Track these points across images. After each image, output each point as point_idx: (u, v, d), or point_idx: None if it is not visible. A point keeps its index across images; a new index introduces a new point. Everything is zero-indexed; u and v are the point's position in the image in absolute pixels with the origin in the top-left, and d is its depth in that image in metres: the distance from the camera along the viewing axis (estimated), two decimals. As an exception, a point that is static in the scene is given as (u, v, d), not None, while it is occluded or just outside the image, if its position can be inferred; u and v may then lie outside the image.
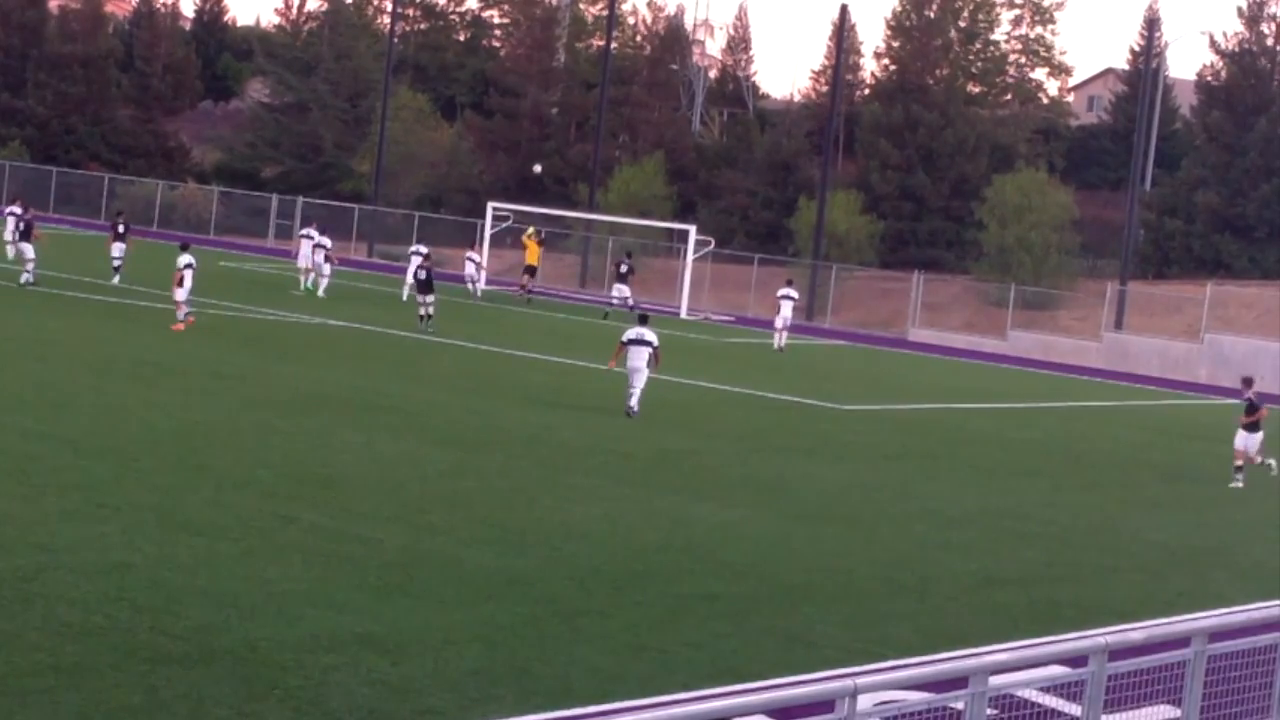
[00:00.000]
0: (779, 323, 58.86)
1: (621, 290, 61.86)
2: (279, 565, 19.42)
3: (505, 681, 15.96)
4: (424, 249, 58.88)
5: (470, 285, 67.59)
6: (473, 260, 68.47)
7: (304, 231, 62.12)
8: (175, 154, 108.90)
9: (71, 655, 15.39)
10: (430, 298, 50.00)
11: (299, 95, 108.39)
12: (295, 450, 27.35)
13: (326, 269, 59.19)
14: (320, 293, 58.27)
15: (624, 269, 66.45)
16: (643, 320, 37.13)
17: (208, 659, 15.69)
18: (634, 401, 35.24)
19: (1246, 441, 33.80)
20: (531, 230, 70.40)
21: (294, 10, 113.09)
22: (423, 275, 50.44)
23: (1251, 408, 33.78)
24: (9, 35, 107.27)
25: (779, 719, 13.38)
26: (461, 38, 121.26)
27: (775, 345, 58.32)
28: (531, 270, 68.82)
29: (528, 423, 33.29)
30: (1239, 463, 33.52)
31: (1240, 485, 33.60)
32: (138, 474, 23.97)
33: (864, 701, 11.55)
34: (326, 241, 59.74)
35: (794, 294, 61.07)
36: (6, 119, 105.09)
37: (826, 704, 11.35)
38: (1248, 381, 34.90)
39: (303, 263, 60.22)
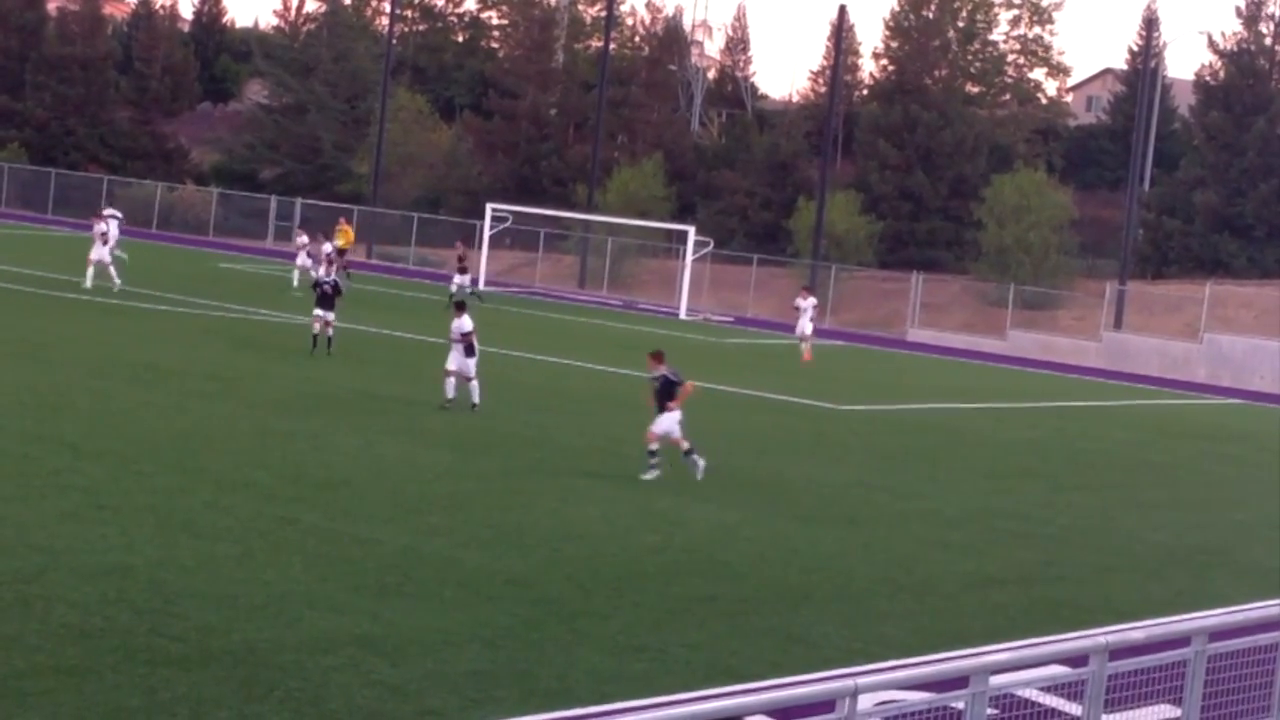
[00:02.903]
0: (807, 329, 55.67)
1: (461, 280, 58.75)
2: (278, 567, 19.42)
3: (505, 682, 15.95)
4: (327, 247, 57.08)
5: (299, 274, 61.01)
6: (306, 244, 62.25)
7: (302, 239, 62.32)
8: (174, 156, 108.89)
9: (71, 657, 15.39)
10: (331, 315, 41.06)
11: (297, 97, 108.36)
12: (294, 452, 27.34)
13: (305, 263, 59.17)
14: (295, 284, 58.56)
15: (459, 261, 61.57)
16: (460, 309, 35.36)
17: (207, 661, 15.69)
18: (474, 396, 33.63)
19: (667, 425, 28.65)
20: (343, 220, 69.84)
21: (292, 12, 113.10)
22: (328, 288, 41.53)
23: (667, 385, 28.59)
24: (8, 37, 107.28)
25: (779, 719, 13.37)
26: (460, 39, 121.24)
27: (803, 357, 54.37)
28: (341, 252, 66.52)
29: (526, 424, 33.29)
30: (653, 447, 28.08)
31: (656, 475, 27.94)
32: (137, 476, 23.97)
33: (864, 701, 11.55)
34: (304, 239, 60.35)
35: (803, 303, 56.96)
36: (5, 121, 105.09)
37: (827, 704, 11.35)
38: (657, 357, 29.41)
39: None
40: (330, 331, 40.92)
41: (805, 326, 55.50)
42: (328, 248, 56.52)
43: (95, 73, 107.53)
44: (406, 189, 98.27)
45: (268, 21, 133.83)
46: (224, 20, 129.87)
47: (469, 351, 34.00)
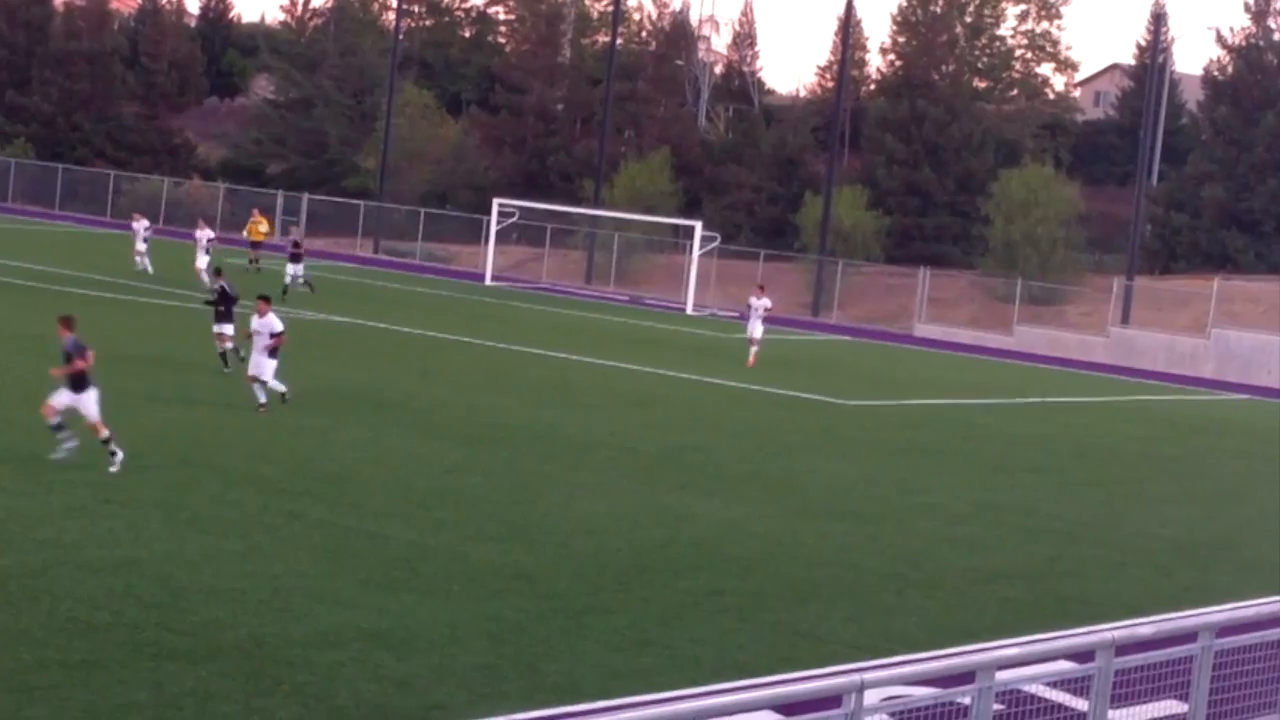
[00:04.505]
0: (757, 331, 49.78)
1: (295, 269, 57.17)
2: (285, 561, 19.44)
3: (512, 677, 15.96)
4: (208, 234, 56.77)
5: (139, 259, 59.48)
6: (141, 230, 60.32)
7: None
8: (181, 150, 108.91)
9: (79, 651, 15.41)
10: (229, 329, 35.81)
11: (304, 92, 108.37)
12: (301, 446, 27.35)
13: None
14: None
15: (293, 248, 57.69)
16: (266, 303, 31.99)
17: (214, 655, 15.70)
18: (261, 396, 30.75)
19: (69, 400, 25.07)
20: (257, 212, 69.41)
21: (299, 7, 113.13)
22: (229, 292, 36.39)
23: (67, 358, 25.31)
24: (14, 32, 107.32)
25: (786, 714, 13.38)
26: (467, 34, 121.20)
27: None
28: (256, 245, 65.98)
29: (533, 419, 33.28)
30: (54, 421, 24.67)
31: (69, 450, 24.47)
32: (144, 470, 23.98)
33: (871, 696, 11.55)
34: (210, 233, 58.93)
35: (755, 302, 50.71)
36: (12, 116, 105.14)
37: (833, 699, 11.34)
38: (66, 322, 26.02)
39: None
40: (228, 345, 35.63)
41: (755, 328, 49.44)
42: (208, 234, 57.16)
43: (102, 68, 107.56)
44: (413, 184, 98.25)
45: (274, 16, 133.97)
46: (230, 15, 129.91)
47: (272, 353, 30.72)
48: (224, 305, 35.55)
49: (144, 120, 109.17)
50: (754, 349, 48.67)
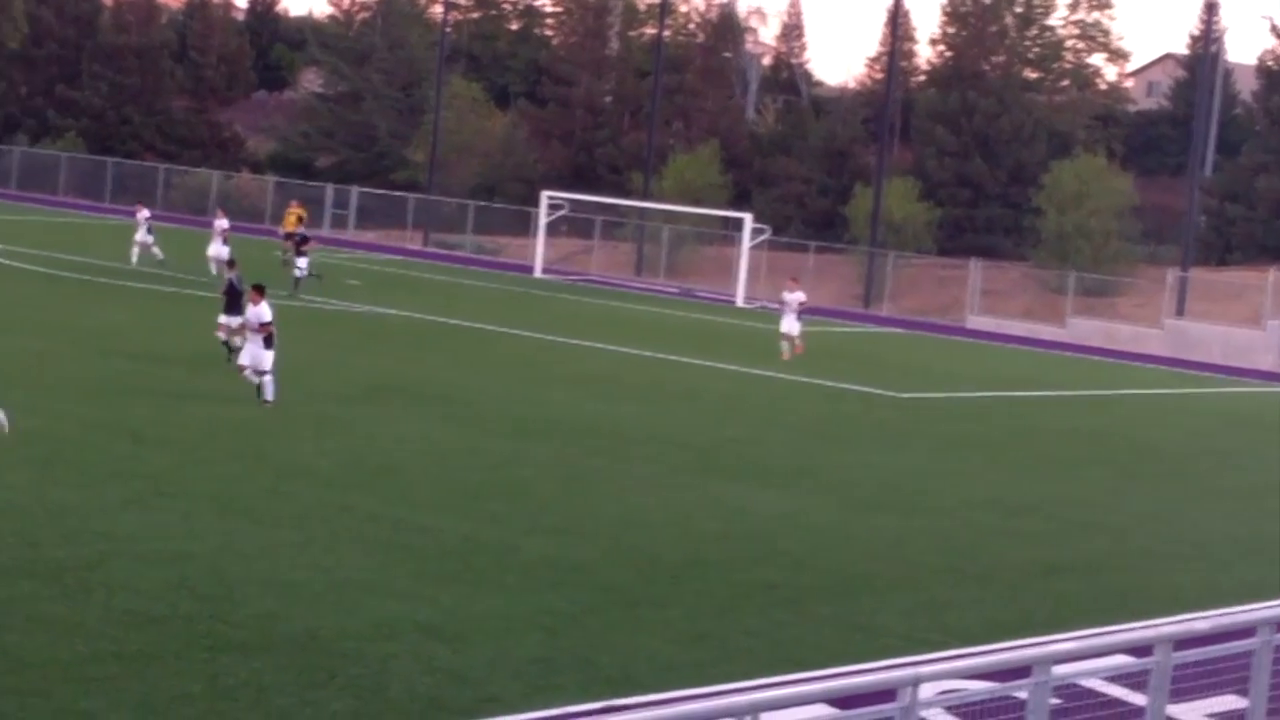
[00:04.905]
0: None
1: (301, 262, 56.11)
2: (338, 554, 19.45)
3: (566, 669, 15.93)
4: (223, 225, 55.31)
5: (140, 250, 57.11)
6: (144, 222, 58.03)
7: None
8: (230, 144, 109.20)
9: (134, 643, 15.43)
10: (237, 320, 33.74)
11: (353, 85, 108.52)
12: (353, 440, 27.37)
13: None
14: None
15: (300, 239, 56.22)
16: (259, 293, 31.21)
17: (268, 647, 15.71)
18: (267, 393, 30.00)
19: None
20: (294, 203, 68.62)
21: (346, 0, 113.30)
22: (236, 285, 35.09)
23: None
24: (64, 27, 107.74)
25: (840, 708, 13.32)
26: (514, 26, 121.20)
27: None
28: (290, 236, 64.84)
29: (584, 411, 33.26)
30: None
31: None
32: (198, 463, 24.05)
33: (926, 690, 11.49)
34: (225, 223, 56.76)
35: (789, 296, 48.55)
36: (62, 110, 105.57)
37: (888, 693, 11.29)
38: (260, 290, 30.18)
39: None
40: (223, 335, 34.64)
41: (790, 323, 47.55)
42: (225, 224, 55.89)
43: (151, 62, 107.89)
44: (462, 177, 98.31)
45: (322, 10, 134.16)
46: (278, 9, 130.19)
47: (267, 343, 30.18)
48: (231, 297, 34.70)
49: (193, 114, 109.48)
50: (788, 344, 46.85)
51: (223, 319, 34.91)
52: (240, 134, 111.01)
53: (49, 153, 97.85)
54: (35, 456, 23.41)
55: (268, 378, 29.88)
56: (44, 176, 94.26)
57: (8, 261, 53.51)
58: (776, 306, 50.00)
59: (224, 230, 55.41)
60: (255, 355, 30.08)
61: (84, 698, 13.88)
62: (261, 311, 30.35)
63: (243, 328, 31.55)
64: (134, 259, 56.12)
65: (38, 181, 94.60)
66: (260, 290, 30.85)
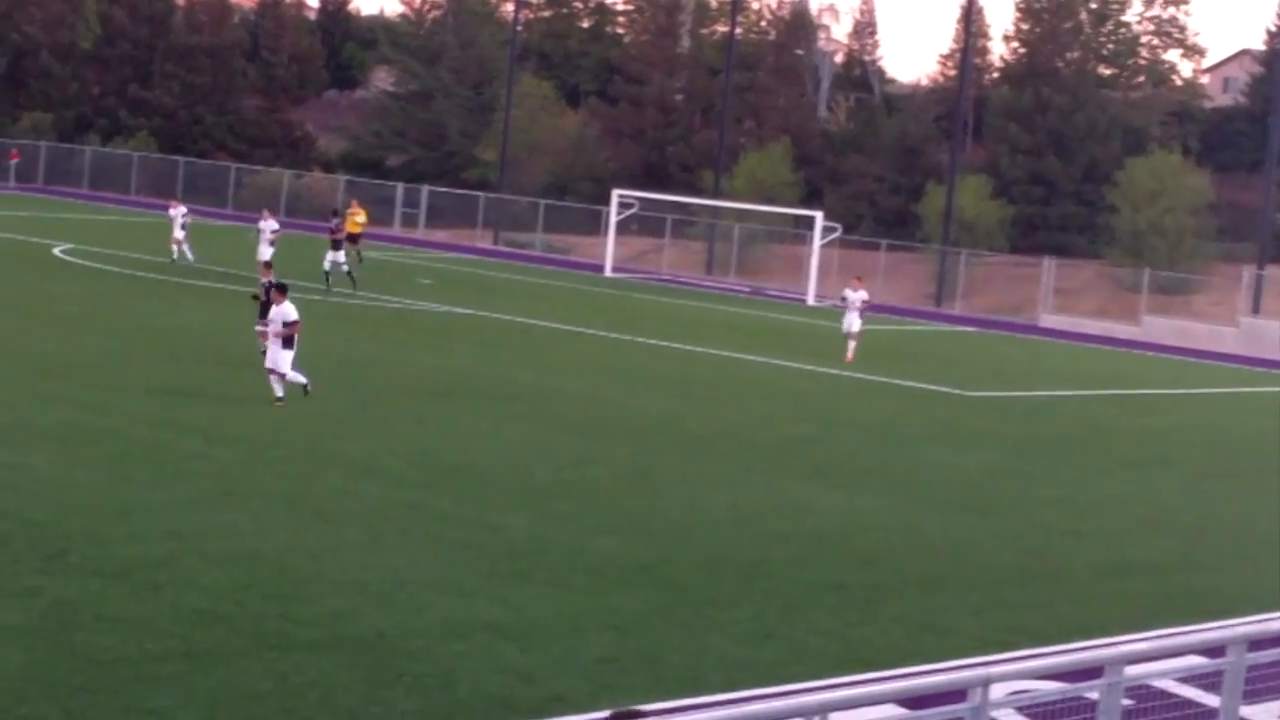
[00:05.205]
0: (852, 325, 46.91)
1: (336, 257, 55.02)
2: (407, 552, 19.45)
3: (634, 669, 15.87)
4: (272, 227, 53.61)
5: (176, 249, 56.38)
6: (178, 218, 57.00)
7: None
8: (301, 143, 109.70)
9: (202, 641, 15.46)
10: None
11: (424, 84, 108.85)
12: (423, 438, 27.40)
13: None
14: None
15: (333, 234, 54.31)
16: (282, 293, 30.51)
17: (337, 646, 15.71)
18: (278, 390, 29.32)
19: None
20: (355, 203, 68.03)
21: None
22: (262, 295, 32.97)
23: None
24: (137, 27, 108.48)
25: (911, 708, 13.21)
26: (585, 25, 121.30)
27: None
28: (354, 238, 64.09)
29: (654, 410, 33.21)
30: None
31: None
32: (266, 462, 24.11)
33: (997, 691, 11.40)
34: (274, 224, 54.95)
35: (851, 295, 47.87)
36: (134, 110, 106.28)
37: (959, 693, 11.22)
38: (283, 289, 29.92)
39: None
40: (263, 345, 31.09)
41: (852, 322, 46.80)
42: (273, 225, 54.27)
43: (223, 61, 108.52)
44: (533, 176, 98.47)
45: (393, 9, 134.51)
46: (350, 8, 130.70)
47: (287, 344, 29.37)
48: (268, 301, 32.04)
49: (264, 113, 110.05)
50: (852, 344, 46.28)
51: (259, 327, 32.37)
52: (311, 133, 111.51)
53: (121, 152, 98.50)
54: (105, 455, 23.55)
55: (275, 378, 29.14)
56: (116, 176, 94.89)
57: (80, 261, 53.89)
58: (840, 305, 49.77)
59: (273, 233, 54.07)
60: (273, 356, 29.36)
61: (152, 696, 13.92)
62: (286, 311, 29.58)
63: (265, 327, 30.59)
64: (175, 255, 55.77)
65: (110, 181, 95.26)
66: (283, 290, 30.27)
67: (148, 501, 20.82)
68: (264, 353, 31.10)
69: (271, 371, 29.24)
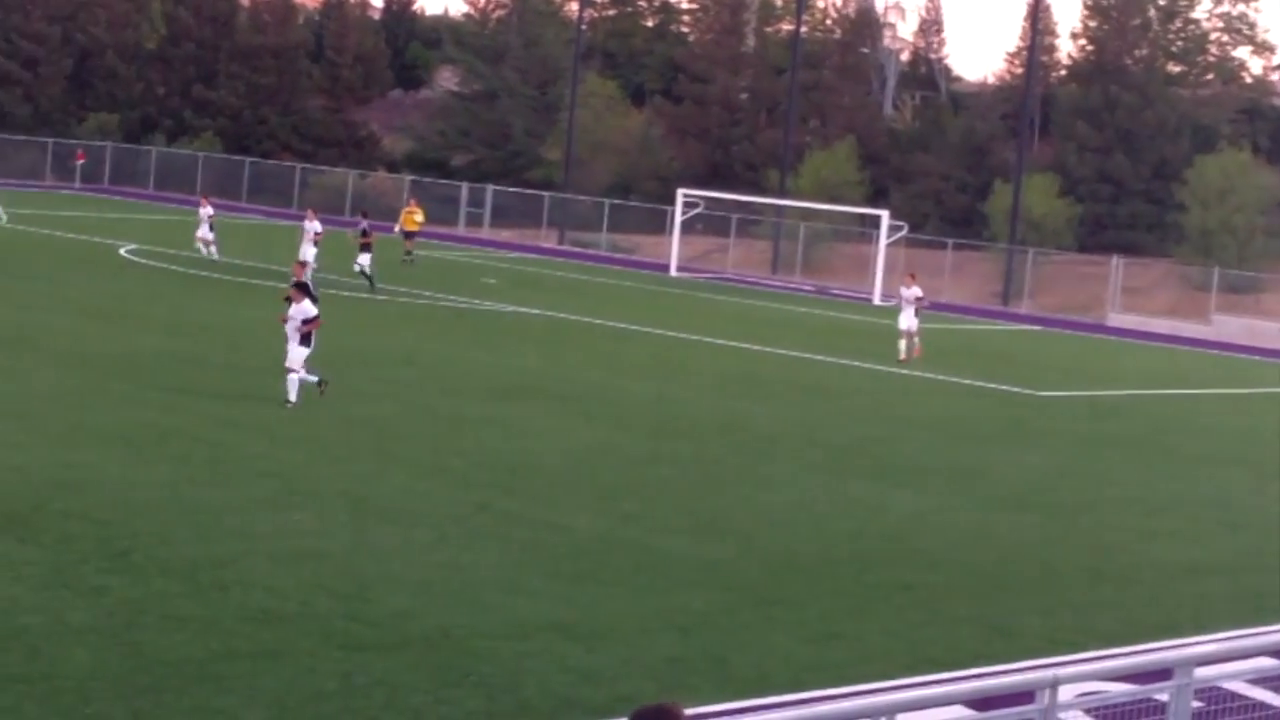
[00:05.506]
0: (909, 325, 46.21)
1: (364, 260, 55.63)
2: (472, 552, 19.44)
3: (700, 669, 15.82)
4: (315, 228, 52.60)
5: (204, 248, 56.67)
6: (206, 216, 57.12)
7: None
8: (366, 143, 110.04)
9: (268, 641, 15.49)
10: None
11: (488, 83, 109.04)
12: (488, 438, 27.40)
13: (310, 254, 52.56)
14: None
15: (362, 237, 53.23)
16: (301, 291, 29.93)
17: (402, 646, 15.71)
18: (293, 394, 28.78)
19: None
20: (413, 201, 67.73)
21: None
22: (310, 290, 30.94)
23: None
24: (201, 27, 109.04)
25: (978, 709, 13.12)
26: (650, 24, 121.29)
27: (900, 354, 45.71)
28: (410, 236, 64.37)
29: (719, 409, 33.14)
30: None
31: None
32: (331, 461, 24.15)
33: (1065, 692, 11.31)
34: (318, 226, 53.60)
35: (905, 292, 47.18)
36: (199, 110, 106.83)
37: (1027, 694, 11.14)
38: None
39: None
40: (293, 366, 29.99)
41: (908, 320, 46.08)
42: (316, 226, 53.10)
43: (287, 61, 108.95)
44: (597, 175, 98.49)
45: (458, 9, 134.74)
46: (415, 7, 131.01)
47: (304, 341, 29.00)
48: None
49: (329, 113, 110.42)
50: (905, 342, 45.54)
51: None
52: (376, 133, 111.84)
53: (186, 152, 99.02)
54: (171, 455, 23.64)
55: (293, 376, 28.64)
56: (181, 176, 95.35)
57: (146, 261, 54.18)
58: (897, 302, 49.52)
59: (315, 234, 52.96)
60: (293, 354, 28.91)
61: (218, 695, 13.94)
62: (305, 309, 29.12)
63: (283, 320, 29.77)
64: (203, 252, 55.61)
65: (175, 181, 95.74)
66: (303, 290, 29.76)
67: (213, 501, 20.88)
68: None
69: (289, 370, 28.79)
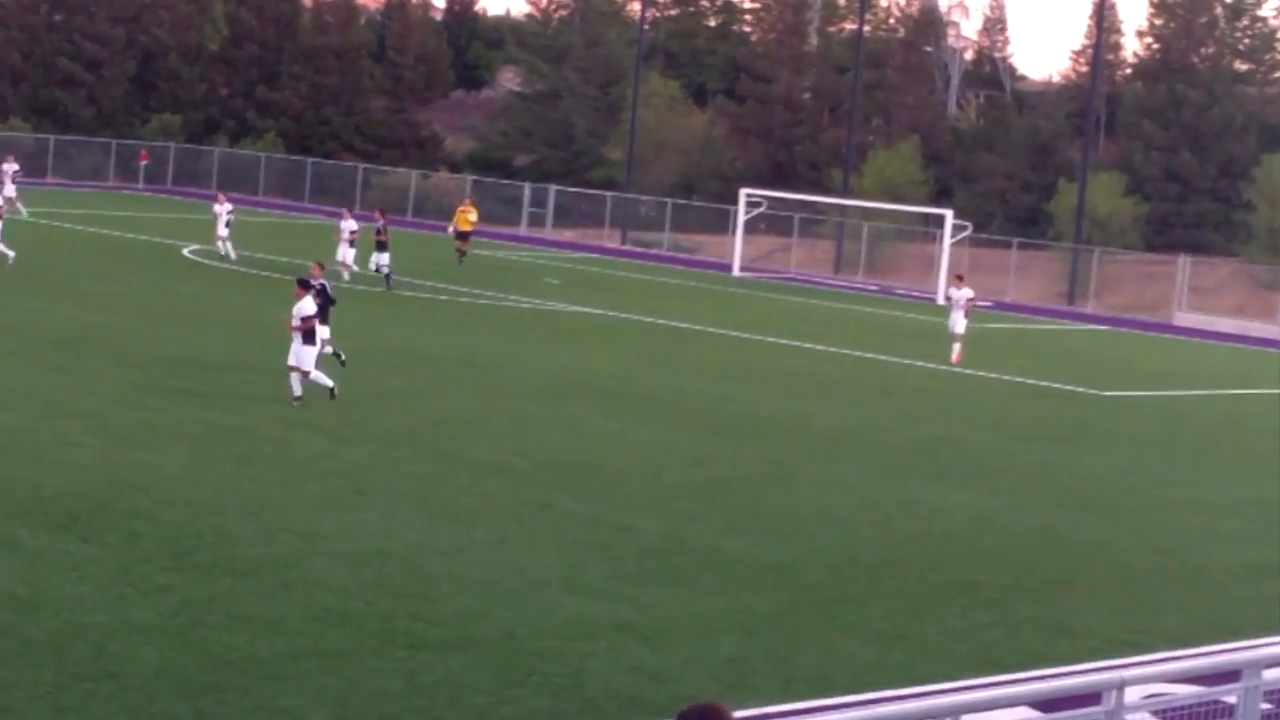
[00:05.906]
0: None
1: (381, 259, 51.31)
2: (536, 552, 19.44)
3: (763, 669, 15.78)
4: (351, 228, 51.73)
5: (222, 246, 55.96)
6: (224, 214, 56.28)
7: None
8: (428, 143, 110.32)
9: (332, 640, 15.52)
10: (325, 330, 30.87)
11: (550, 84, 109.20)
12: (550, 438, 27.40)
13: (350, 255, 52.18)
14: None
15: (378, 235, 52.35)
16: (303, 288, 29.70)
17: (466, 645, 15.72)
18: (295, 389, 28.57)
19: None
20: (469, 201, 67.39)
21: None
22: (328, 292, 31.76)
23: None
24: (264, 28, 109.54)
25: (1044, 711, 13.05)
26: (712, 23, 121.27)
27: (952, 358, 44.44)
28: (462, 235, 62.71)
29: (782, 409, 33.06)
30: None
31: None
32: (395, 462, 24.19)
33: (1132, 694, 11.23)
34: (353, 225, 52.65)
35: (955, 294, 46.96)
36: (262, 111, 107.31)
37: (1093, 696, 11.07)
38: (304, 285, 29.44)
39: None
40: (326, 349, 31.07)
41: (957, 321, 45.30)
42: (352, 226, 52.18)
43: (350, 62, 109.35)
44: (660, 175, 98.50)
45: (520, 9, 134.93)
46: (476, 8, 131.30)
47: (307, 339, 28.70)
48: (322, 304, 30.50)
49: (391, 114, 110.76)
50: (957, 345, 44.61)
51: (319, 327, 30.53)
52: (438, 133, 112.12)
53: (249, 153, 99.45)
54: (235, 454, 23.73)
55: (296, 376, 28.44)
56: (244, 177, 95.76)
57: (209, 262, 54.44)
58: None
59: (351, 233, 52.19)
60: (296, 353, 28.58)
61: (283, 694, 13.97)
62: (304, 306, 28.79)
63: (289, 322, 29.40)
64: (222, 251, 55.44)
65: (237, 182, 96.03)
66: (304, 285, 29.56)
67: (277, 501, 20.94)
68: (336, 354, 31.43)
69: (293, 369, 28.61)
